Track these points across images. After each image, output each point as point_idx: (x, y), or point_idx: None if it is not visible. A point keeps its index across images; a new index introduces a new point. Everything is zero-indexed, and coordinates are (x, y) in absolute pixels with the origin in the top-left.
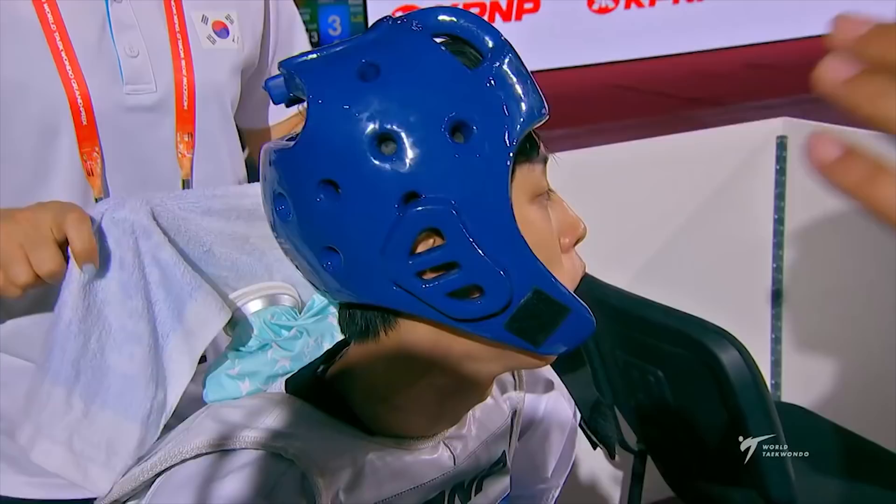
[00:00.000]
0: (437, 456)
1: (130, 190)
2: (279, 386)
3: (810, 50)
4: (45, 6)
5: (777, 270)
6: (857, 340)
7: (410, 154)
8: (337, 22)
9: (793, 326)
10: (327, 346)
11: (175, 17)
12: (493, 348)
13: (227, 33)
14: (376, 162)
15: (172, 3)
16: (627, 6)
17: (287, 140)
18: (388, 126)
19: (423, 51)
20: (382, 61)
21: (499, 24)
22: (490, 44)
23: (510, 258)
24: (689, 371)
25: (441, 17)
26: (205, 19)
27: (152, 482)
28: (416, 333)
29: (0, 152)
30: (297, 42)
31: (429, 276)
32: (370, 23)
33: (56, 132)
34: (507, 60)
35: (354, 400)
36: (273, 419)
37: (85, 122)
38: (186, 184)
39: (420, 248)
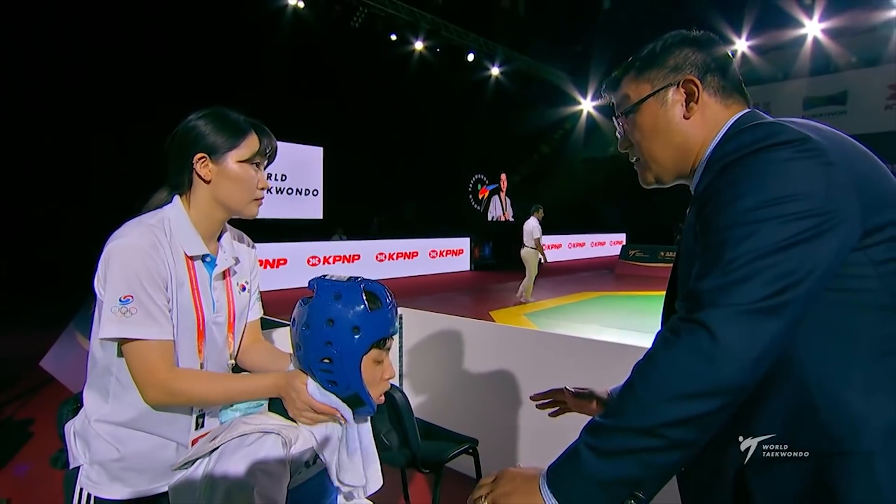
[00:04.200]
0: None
1: (214, 360)
2: (265, 408)
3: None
4: (195, 279)
5: (402, 354)
6: (435, 382)
7: (335, 331)
8: None
9: (407, 378)
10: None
11: (229, 285)
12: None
13: (245, 289)
14: (325, 327)
15: (227, 280)
16: None
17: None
18: (333, 318)
19: (358, 297)
20: (343, 295)
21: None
22: (387, 301)
23: (352, 379)
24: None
25: (371, 287)
26: (237, 283)
27: (210, 453)
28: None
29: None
30: (255, 283)
31: (322, 371)
32: None
33: (190, 333)
34: (388, 310)
35: None
36: (270, 420)
37: (201, 329)
38: (231, 355)
39: (323, 360)
